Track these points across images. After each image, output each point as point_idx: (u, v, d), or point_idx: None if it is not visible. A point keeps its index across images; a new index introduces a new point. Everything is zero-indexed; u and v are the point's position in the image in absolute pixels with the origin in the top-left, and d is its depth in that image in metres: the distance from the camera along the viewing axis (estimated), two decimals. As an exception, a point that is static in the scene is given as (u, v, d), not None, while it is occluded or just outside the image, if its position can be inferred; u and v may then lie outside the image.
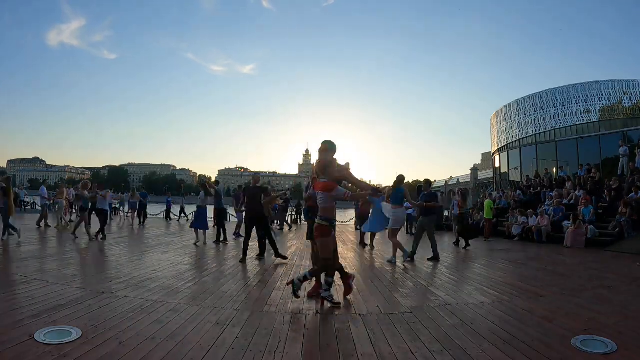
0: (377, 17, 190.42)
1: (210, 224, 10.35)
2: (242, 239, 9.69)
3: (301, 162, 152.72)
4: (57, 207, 13.14)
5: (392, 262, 7.25)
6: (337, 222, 4.58)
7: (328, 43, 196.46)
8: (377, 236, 9.93)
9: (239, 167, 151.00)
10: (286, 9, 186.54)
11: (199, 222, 9.25)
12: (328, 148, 4.34)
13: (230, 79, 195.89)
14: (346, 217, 22.18)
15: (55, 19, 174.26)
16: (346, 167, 4.74)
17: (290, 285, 4.21)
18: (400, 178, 7.80)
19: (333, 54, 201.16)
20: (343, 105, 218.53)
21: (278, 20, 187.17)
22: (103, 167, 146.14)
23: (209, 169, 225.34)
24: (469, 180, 51.08)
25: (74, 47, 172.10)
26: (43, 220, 11.97)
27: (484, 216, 12.89)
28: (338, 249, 4.58)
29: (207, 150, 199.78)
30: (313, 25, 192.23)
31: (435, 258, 7.62)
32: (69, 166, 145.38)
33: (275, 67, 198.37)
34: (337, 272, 4.38)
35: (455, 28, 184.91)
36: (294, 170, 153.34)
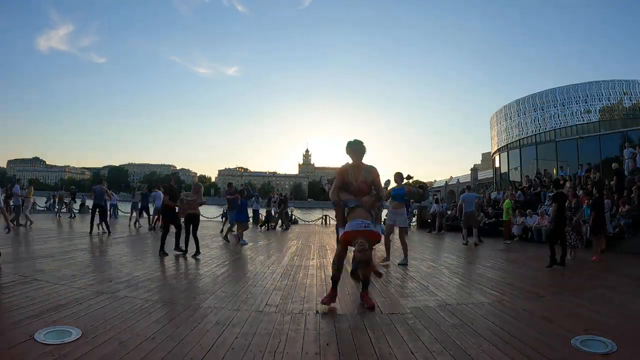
0: (374, 17, 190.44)
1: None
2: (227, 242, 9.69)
3: (301, 162, 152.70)
4: (24, 206, 12.80)
5: (404, 264, 6.93)
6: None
7: (319, 44, 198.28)
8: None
9: (238, 167, 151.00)
10: (262, 13, 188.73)
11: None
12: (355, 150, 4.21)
13: (219, 81, 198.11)
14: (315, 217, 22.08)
15: (43, 25, 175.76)
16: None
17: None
18: (400, 175, 7.61)
19: (327, 54, 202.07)
20: (343, 105, 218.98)
21: (255, 23, 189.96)
22: (103, 167, 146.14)
23: (209, 169, 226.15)
24: (469, 180, 51.04)
25: (63, 51, 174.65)
26: (16, 220, 11.93)
27: (503, 218, 12.54)
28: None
29: (207, 150, 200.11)
30: (295, 26, 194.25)
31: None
32: (68, 166, 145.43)
33: (259, 69, 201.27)
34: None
35: (455, 27, 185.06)
36: (294, 171, 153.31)
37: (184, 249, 7.51)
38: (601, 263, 8.08)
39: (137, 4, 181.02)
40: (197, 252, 7.35)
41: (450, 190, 54.70)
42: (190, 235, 7.65)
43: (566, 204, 7.71)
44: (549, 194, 14.43)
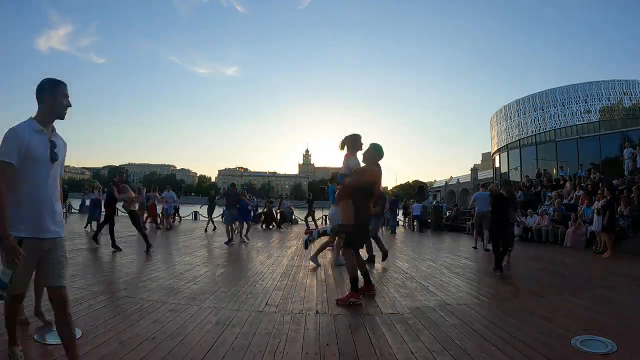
0: (373, 17, 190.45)
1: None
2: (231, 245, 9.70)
3: (301, 162, 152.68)
4: None
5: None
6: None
7: (318, 44, 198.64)
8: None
9: (238, 167, 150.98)
10: (261, 13, 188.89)
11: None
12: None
13: (218, 81, 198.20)
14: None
15: (43, 25, 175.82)
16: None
17: None
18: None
19: (327, 54, 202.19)
20: (343, 105, 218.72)
21: (254, 23, 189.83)
22: (103, 167, 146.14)
23: (209, 169, 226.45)
24: (469, 180, 51.06)
25: (62, 52, 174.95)
26: None
27: None
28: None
29: (207, 150, 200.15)
30: (294, 27, 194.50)
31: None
32: (68, 166, 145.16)
33: (259, 69, 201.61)
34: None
35: (455, 27, 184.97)
36: (294, 171, 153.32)
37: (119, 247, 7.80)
38: (601, 263, 8.09)
39: (136, 4, 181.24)
40: (114, 245, 7.72)
41: (450, 190, 54.68)
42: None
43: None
44: (549, 194, 14.47)
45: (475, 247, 10.05)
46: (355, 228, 4.38)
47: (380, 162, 4.57)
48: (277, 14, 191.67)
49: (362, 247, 4.58)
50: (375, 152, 4.55)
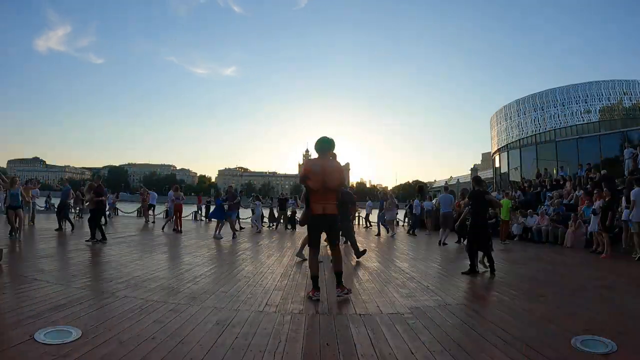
0: (372, 16, 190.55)
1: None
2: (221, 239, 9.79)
3: (301, 162, 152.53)
4: None
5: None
6: None
7: (318, 43, 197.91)
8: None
9: (238, 167, 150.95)
10: (258, 13, 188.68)
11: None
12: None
13: (217, 81, 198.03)
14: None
15: (43, 25, 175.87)
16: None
17: None
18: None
19: (327, 54, 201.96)
20: (342, 105, 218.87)
21: (252, 24, 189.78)
22: (103, 167, 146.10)
23: (209, 169, 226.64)
24: (469, 180, 51.08)
25: (61, 52, 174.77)
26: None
27: (502, 217, 12.15)
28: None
29: (207, 150, 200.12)
30: (292, 27, 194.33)
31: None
32: (68, 166, 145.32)
33: (258, 69, 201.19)
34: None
35: (455, 27, 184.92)
36: (294, 171, 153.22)
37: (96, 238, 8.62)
38: (601, 263, 8.09)
39: (135, 4, 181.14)
40: (103, 238, 8.64)
41: (451, 191, 54.78)
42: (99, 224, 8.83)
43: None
44: (549, 194, 14.47)
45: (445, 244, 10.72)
46: (308, 226, 4.46)
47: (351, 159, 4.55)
48: (275, 15, 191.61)
49: (336, 243, 4.59)
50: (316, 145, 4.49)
